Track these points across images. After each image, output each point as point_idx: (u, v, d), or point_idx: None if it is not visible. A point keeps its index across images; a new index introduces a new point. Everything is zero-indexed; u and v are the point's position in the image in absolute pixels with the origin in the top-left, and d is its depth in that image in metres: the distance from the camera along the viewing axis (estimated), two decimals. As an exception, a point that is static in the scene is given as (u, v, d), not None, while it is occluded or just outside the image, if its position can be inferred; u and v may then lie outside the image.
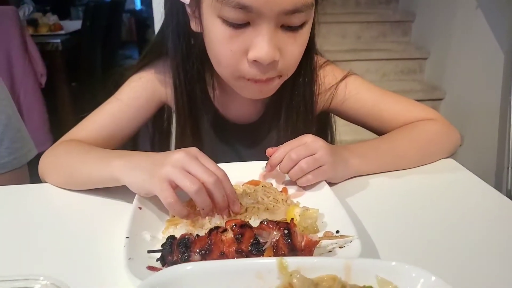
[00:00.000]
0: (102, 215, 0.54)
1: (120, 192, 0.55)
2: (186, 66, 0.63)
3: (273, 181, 0.59)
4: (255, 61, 0.53)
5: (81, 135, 0.64)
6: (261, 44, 0.51)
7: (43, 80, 2.22)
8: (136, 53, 4.22)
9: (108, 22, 2.96)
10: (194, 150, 0.49)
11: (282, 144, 0.57)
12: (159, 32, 0.67)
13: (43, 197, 0.59)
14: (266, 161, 0.58)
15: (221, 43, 0.53)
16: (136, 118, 0.67)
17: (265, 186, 0.57)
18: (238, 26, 0.51)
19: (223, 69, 0.57)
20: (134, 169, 0.49)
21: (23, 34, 2.14)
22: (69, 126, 0.71)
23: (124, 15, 3.80)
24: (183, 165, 0.46)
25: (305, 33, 0.55)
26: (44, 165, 0.61)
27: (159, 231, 0.48)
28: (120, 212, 0.52)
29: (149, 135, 0.76)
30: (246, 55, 0.53)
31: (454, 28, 1.98)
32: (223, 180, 0.47)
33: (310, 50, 0.62)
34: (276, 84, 0.59)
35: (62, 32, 2.70)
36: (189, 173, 0.46)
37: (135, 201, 0.50)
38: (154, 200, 0.51)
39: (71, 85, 2.63)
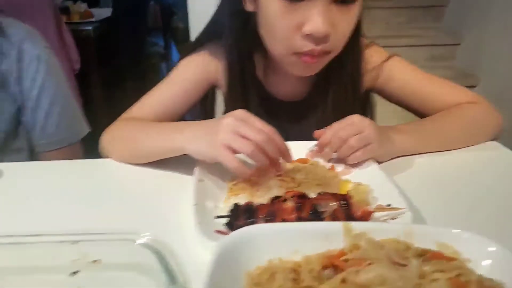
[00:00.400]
0: (164, 187, 0.58)
1: (176, 165, 0.59)
2: (239, 46, 0.66)
3: (320, 161, 0.62)
4: (309, 35, 0.56)
5: (137, 115, 0.68)
6: (316, 18, 0.54)
7: (77, 66, 2.29)
8: (161, 40, 4.23)
9: (136, 9, 3.02)
10: (241, 112, 0.52)
11: (328, 122, 0.59)
12: (213, 15, 0.70)
13: (108, 170, 0.63)
14: (312, 141, 0.61)
15: (277, 18, 0.56)
16: (187, 99, 0.71)
17: (314, 164, 0.60)
18: (294, 1, 0.54)
19: (277, 45, 0.60)
20: (195, 138, 0.53)
21: (59, 22, 2.21)
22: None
23: (150, 3, 3.83)
24: (234, 129, 0.49)
25: (356, 9, 0.58)
26: (107, 141, 0.65)
27: (221, 201, 0.52)
28: (179, 184, 0.56)
29: (195, 115, 0.80)
30: (300, 29, 0.56)
31: (491, 12, 1.92)
32: (273, 136, 0.50)
33: (357, 30, 0.64)
34: (325, 60, 0.62)
35: (93, 19, 2.77)
36: (242, 136, 0.49)
37: (195, 174, 0.54)
38: (213, 173, 0.55)
39: (102, 71, 2.71)
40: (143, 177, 0.60)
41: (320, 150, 0.60)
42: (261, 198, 0.51)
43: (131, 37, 3.05)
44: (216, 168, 0.56)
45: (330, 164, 0.61)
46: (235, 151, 0.49)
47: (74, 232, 0.36)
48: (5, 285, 0.35)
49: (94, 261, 0.36)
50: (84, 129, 0.85)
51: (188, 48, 0.72)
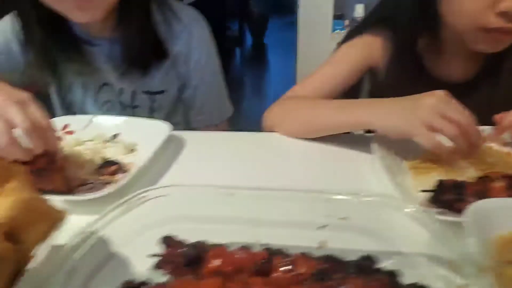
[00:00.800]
0: (336, 159, 0.62)
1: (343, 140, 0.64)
2: (412, 27, 0.67)
3: (493, 145, 0.62)
4: (504, 12, 0.56)
5: (299, 94, 0.73)
6: None
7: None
8: (235, 25, 4.27)
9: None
10: (444, 93, 0.53)
11: (495, 105, 0.59)
12: (380, 2, 0.72)
13: (274, 142, 0.68)
14: (483, 126, 0.61)
15: None
16: (346, 81, 0.74)
17: (490, 148, 0.60)
18: None
19: (464, 20, 0.61)
20: (388, 114, 0.55)
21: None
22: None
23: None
24: (438, 110, 0.51)
25: None
26: (274, 117, 0.71)
27: (405, 177, 0.55)
28: (353, 159, 0.61)
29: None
30: (495, 6, 0.56)
31: None
32: (472, 120, 0.52)
33: None
34: None
35: (181, 4, 2.90)
36: (445, 117, 0.50)
37: (376, 151, 0.57)
38: (392, 150, 0.58)
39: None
40: (311, 150, 0.65)
41: (498, 134, 0.60)
42: (452, 176, 0.53)
43: (212, 21, 3.15)
44: (393, 146, 0.59)
45: (506, 149, 0.61)
46: (435, 131, 0.51)
47: (327, 191, 0.42)
48: (258, 235, 0.41)
49: (342, 218, 0.41)
50: (231, 108, 0.92)
51: (351, 31, 0.75)
